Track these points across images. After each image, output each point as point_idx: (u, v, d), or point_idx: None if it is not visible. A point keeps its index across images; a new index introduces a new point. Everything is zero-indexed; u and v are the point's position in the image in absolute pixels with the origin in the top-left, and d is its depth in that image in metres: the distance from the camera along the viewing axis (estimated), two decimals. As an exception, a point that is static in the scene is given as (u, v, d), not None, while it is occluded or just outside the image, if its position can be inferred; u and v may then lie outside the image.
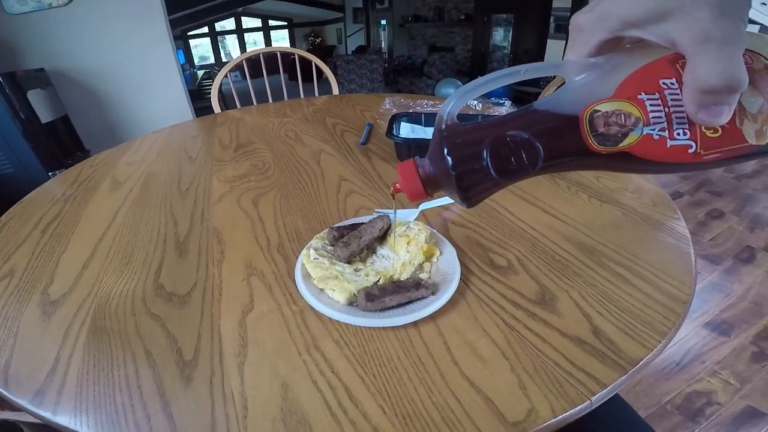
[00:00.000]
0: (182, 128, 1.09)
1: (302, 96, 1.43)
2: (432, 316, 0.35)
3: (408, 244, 0.42)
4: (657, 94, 0.22)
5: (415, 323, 0.35)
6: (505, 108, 1.05)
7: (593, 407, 0.29)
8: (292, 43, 9.33)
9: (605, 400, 0.29)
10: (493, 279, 0.41)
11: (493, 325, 0.35)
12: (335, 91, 1.52)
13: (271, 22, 8.87)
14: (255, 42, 9.21)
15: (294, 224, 0.53)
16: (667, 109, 0.22)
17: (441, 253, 0.44)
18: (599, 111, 0.23)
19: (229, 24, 8.55)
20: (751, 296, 1.62)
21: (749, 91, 0.22)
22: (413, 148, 0.68)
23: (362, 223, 0.45)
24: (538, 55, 4.38)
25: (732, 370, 1.27)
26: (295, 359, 0.32)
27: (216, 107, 1.40)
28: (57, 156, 1.90)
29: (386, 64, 6.36)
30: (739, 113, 0.22)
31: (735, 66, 0.19)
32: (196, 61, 7.85)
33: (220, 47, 8.57)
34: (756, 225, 2.25)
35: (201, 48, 8.34)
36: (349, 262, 0.41)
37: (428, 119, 0.82)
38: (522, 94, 4.21)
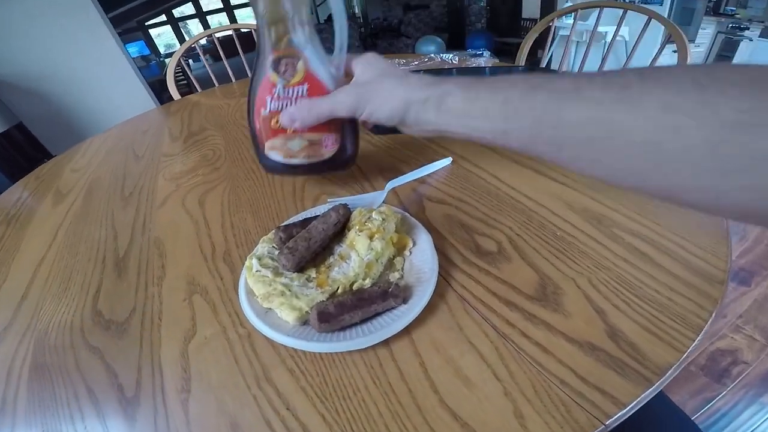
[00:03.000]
0: (133, 123, 0.98)
1: None
2: (406, 330, 0.28)
3: (371, 239, 0.33)
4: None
5: (385, 341, 0.28)
6: (484, 59, 0.94)
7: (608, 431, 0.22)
8: (261, 19, 8.88)
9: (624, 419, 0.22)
10: (480, 271, 0.33)
11: (482, 334, 0.28)
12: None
13: (233, 0, 8.38)
14: (220, 23, 8.73)
15: (243, 224, 0.45)
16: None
17: (414, 244, 0.35)
18: None
19: (188, 9, 8.08)
20: (767, 238, 1.55)
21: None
22: None
23: (315, 218, 0.36)
24: (515, 6, 4.15)
25: (756, 324, 1.19)
26: (243, 394, 0.27)
27: (175, 94, 1.28)
28: (20, 164, 1.78)
29: (362, 29, 6.05)
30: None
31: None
32: (162, 50, 7.48)
33: (183, 33, 8.14)
34: None
35: (165, 36, 7.91)
36: (300, 270, 0.33)
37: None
38: (506, 45, 4.00)
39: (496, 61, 0.95)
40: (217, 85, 1.22)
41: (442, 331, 0.28)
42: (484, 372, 0.25)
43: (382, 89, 0.33)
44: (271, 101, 0.38)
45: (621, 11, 1.08)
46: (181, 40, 7.94)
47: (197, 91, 1.18)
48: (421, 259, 0.33)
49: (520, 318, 0.28)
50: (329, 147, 0.41)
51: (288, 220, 0.40)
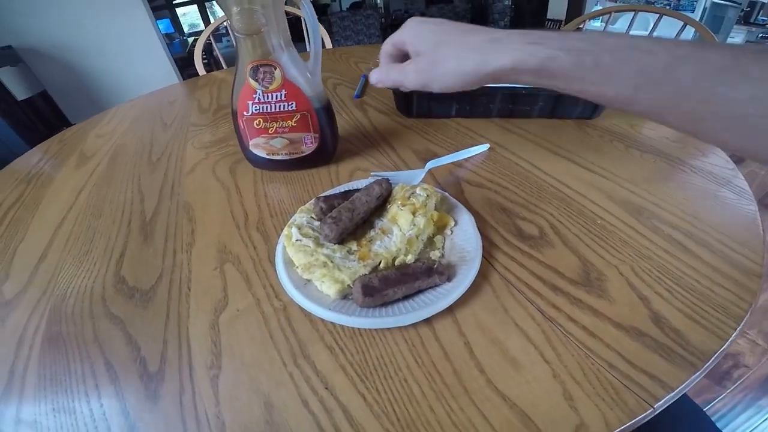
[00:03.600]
0: (160, 94, 0.99)
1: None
2: (449, 309, 0.28)
3: (414, 214, 0.33)
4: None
5: (428, 320, 0.27)
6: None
7: (656, 413, 0.22)
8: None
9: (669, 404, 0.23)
10: (523, 254, 0.33)
11: (528, 317, 0.28)
12: (328, 45, 1.39)
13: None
14: (244, 4, 8.71)
15: (277, 194, 0.44)
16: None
17: (456, 223, 0.35)
18: None
19: (216, -11, 8.10)
20: (775, 243, 1.55)
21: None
22: (415, 97, 0.58)
23: (356, 191, 0.36)
24: (541, 6, 4.09)
25: (759, 329, 1.20)
26: (279, 371, 0.25)
27: (200, 70, 1.29)
28: (40, 132, 1.80)
29: (383, 20, 6.00)
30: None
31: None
32: (186, 29, 7.51)
33: (209, 14, 8.12)
34: (779, 171, 2.14)
35: (189, 16, 7.92)
36: (340, 243, 0.33)
37: None
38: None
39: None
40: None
41: (486, 312, 0.28)
42: (532, 354, 0.25)
43: (445, 61, 0.30)
44: (252, 105, 0.42)
45: (650, 17, 1.06)
46: (206, 20, 7.93)
47: (222, 68, 1.18)
48: (464, 238, 0.33)
49: (565, 302, 0.28)
50: (308, 144, 0.45)
51: (326, 192, 0.40)
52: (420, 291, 0.29)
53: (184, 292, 0.32)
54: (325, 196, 0.36)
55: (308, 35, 0.42)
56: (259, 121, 0.43)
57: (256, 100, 0.41)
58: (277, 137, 0.44)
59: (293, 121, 0.43)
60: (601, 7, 2.89)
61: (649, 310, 0.27)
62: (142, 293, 0.33)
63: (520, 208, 0.38)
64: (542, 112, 0.56)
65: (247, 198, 0.44)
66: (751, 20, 3.50)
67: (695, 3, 2.73)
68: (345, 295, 0.29)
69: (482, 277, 0.30)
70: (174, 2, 7.30)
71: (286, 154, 0.46)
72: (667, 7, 2.84)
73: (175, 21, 7.22)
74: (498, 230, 0.36)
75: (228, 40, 6.14)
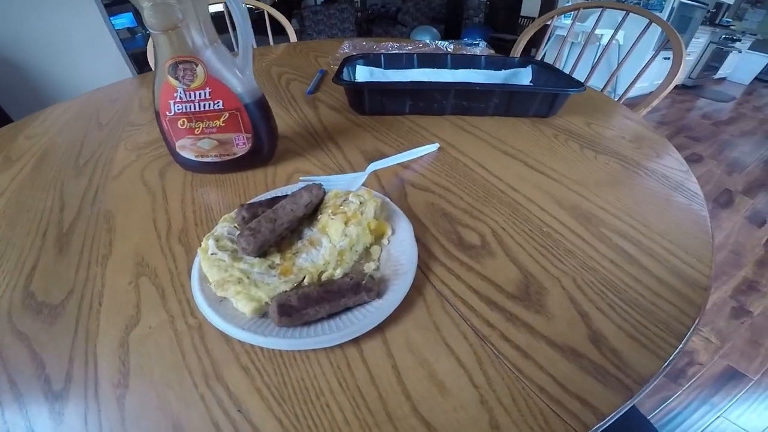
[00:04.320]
0: (104, 92, 0.91)
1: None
2: (379, 327, 0.25)
3: (346, 224, 0.30)
4: None
5: (355, 339, 0.25)
6: (479, 49, 0.92)
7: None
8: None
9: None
10: (461, 266, 0.30)
11: (460, 336, 0.25)
12: (292, 38, 1.34)
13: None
14: (215, -6, 8.46)
15: (205, 200, 0.41)
16: None
17: (393, 232, 0.32)
18: None
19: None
20: (731, 245, 1.60)
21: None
22: (367, 93, 0.55)
23: (284, 197, 0.33)
24: (515, 2, 4.13)
25: (713, 327, 1.25)
26: (189, 392, 0.23)
27: (153, 65, 1.21)
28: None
29: (359, 14, 5.92)
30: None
31: None
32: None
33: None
34: (734, 169, 2.24)
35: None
36: (263, 255, 0.29)
37: (389, 61, 0.68)
38: (501, 42, 3.97)
39: (492, 51, 0.92)
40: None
41: (418, 330, 0.26)
42: (461, 378, 0.23)
43: None
44: (174, 104, 0.38)
45: (619, 15, 1.06)
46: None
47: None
48: (400, 249, 0.30)
49: (501, 319, 0.26)
50: (240, 145, 0.41)
51: (255, 198, 0.37)
52: (347, 308, 0.26)
53: (95, 307, 0.30)
54: (250, 204, 0.33)
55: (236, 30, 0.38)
56: (184, 121, 0.39)
57: (178, 99, 0.37)
58: (204, 138, 0.40)
59: (221, 120, 0.39)
60: (570, 3, 2.93)
61: (588, 327, 0.25)
62: (51, 308, 0.30)
63: (463, 214, 0.36)
64: (497, 109, 0.54)
65: (173, 204, 0.40)
66: (717, 21, 3.64)
67: (663, 2, 2.79)
68: (263, 313, 0.26)
69: (416, 291, 0.28)
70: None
71: (216, 155, 0.42)
72: (637, 5, 2.92)
73: (139, 15, 6.93)
74: (438, 239, 0.33)
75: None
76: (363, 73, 0.65)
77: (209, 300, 0.27)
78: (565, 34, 1.13)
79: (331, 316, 0.26)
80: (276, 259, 0.29)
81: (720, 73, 3.92)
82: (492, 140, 0.48)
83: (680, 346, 0.24)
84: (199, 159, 0.42)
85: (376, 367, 0.24)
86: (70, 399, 0.24)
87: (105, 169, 0.50)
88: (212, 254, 0.29)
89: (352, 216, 0.30)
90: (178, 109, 0.38)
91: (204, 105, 0.37)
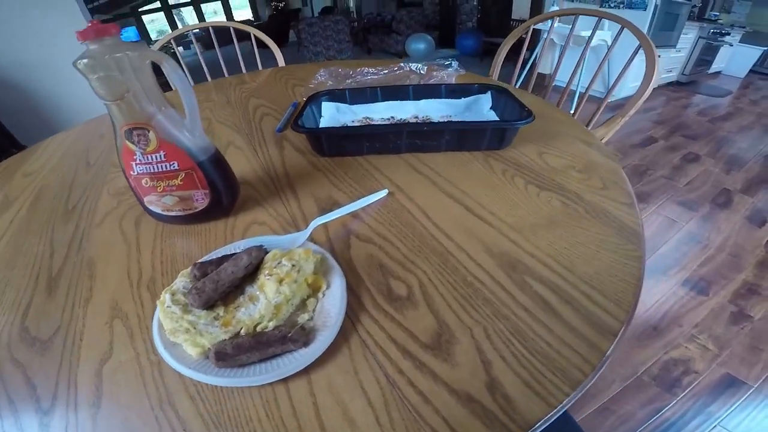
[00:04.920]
0: (94, 124, 0.96)
1: (261, 66, 1.29)
2: (306, 369, 0.29)
3: (280, 283, 0.34)
4: None
5: (285, 378, 0.29)
6: (452, 69, 0.94)
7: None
8: (254, 11, 8.70)
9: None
10: (386, 316, 0.33)
11: (374, 380, 0.29)
12: (280, 62, 1.38)
13: (228, -13, 8.27)
14: (215, 12, 8.51)
15: (172, 251, 0.45)
16: None
17: (329, 286, 0.36)
18: None
19: (182, -5, 7.92)
20: (729, 247, 1.58)
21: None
22: (324, 138, 0.58)
23: (232, 255, 0.36)
24: (506, 6, 4.15)
25: (710, 334, 1.22)
26: (147, 414, 0.29)
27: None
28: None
29: (355, 24, 5.98)
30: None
31: None
32: (154, 36, 7.35)
33: (176, 20, 7.96)
34: (732, 167, 2.21)
35: (158, 23, 7.73)
36: (209, 308, 0.34)
37: (355, 96, 0.71)
38: (493, 45, 3.99)
39: (462, 72, 0.95)
40: (208, 73, 1.22)
41: (339, 373, 0.29)
42: (369, 417, 0.26)
43: None
44: (135, 165, 0.41)
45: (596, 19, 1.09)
46: (173, 26, 7.79)
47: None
48: (331, 303, 0.34)
49: (411, 366, 0.29)
50: (200, 201, 0.44)
51: (209, 254, 0.40)
52: (276, 355, 0.30)
53: (76, 343, 0.35)
54: (201, 263, 0.37)
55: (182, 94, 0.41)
56: (147, 180, 0.42)
57: (138, 161, 0.41)
58: (167, 195, 0.44)
59: (179, 179, 0.42)
60: (558, 8, 2.93)
61: (488, 375, 0.28)
62: (42, 342, 0.36)
63: (397, 265, 0.38)
64: (450, 145, 0.56)
65: (145, 255, 0.45)
66: (705, 16, 3.61)
67: (647, 1, 2.78)
68: (207, 356, 0.31)
69: (343, 339, 0.32)
70: (139, 10, 7.12)
71: (179, 210, 0.45)
72: (621, 5, 2.90)
73: (142, 28, 7.06)
74: (371, 291, 0.36)
75: (194, 47, 6.02)
76: (329, 110, 0.68)
77: (165, 343, 0.32)
78: (554, 38, 1.15)
79: (263, 360, 0.30)
80: (220, 311, 0.34)
81: (714, 68, 3.87)
82: (440, 181, 0.50)
83: (574, 393, 0.27)
84: (166, 213, 0.46)
85: (299, 403, 0.28)
86: (56, 415, 0.30)
87: (89, 215, 0.55)
88: (167, 307, 0.33)
89: (285, 276, 0.34)
90: (140, 170, 0.41)
91: (161, 166, 0.41)
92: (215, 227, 0.47)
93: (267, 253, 0.37)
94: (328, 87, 0.90)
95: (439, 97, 0.70)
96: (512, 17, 4.12)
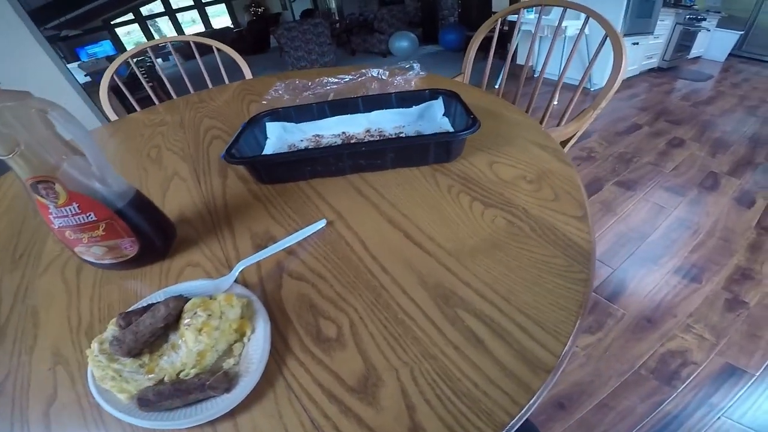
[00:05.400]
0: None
1: (227, 80, 1.26)
2: (232, 413, 0.30)
3: (200, 332, 0.33)
4: None
5: (212, 421, 0.29)
6: (413, 72, 0.92)
7: None
8: (233, 17, 8.64)
9: None
10: (313, 359, 0.32)
11: (299, 425, 0.28)
12: (247, 75, 1.36)
13: (203, -4, 8.20)
14: (193, 20, 8.46)
15: (109, 297, 0.43)
16: None
17: (254, 331, 0.35)
18: None
19: (157, 6, 7.84)
20: (719, 231, 1.56)
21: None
22: (262, 168, 0.55)
23: (156, 303, 0.35)
24: (486, 0, 4.14)
25: (706, 323, 1.20)
26: None
27: (109, 112, 1.23)
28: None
29: (337, 25, 5.95)
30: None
31: None
32: (129, 49, 7.32)
33: (152, 32, 7.90)
34: (717, 150, 2.20)
35: (134, 35, 7.67)
36: (135, 356, 0.34)
37: (301, 113, 0.68)
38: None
39: (423, 75, 0.93)
40: (172, 90, 1.22)
41: (264, 417, 0.29)
42: None
43: None
44: (53, 218, 0.39)
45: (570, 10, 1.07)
46: (149, 37, 7.74)
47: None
48: (255, 347, 0.33)
49: (336, 411, 0.28)
50: (129, 248, 0.43)
51: (138, 302, 0.39)
52: (199, 400, 0.31)
53: (25, 387, 0.36)
54: (126, 313, 0.36)
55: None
56: (69, 233, 0.40)
57: (54, 215, 0.38)
58: (93, 246, 0.42)
59: (100, 230, 0.40)
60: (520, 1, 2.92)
61: (411, 420, 0.27)
62: None
63: (328, 304, 0.37)
64: (396, 162, 0.54)
65: (84, 302, 0.44)
66: (680, 2, 3.60)
67: (621, -13, 2.77)
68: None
69: (268, 383, 0.31)
70: (112, 23, 7.05)
71: (111, 258, 0.43)
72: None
73: (117, 42, 6.96)
74: (299, 332, 0.35)
75: (172, 59, 5.92)
76: (275, 130, 0.66)
77: (98, 387, 0.33)
78: (530, 29, 1.14)
79: (187, 405, 0.31)
80: (146, 359, 0.34)
81: (694, 53, 3.90)
82: (382, 204, 0.48)
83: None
84: (99, 261, 0.44)
85: (226, 445, 0.27)
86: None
87: (35, 264, 0.53)
88: (95, 356, 0.34)
89: (203, 326, 0.33)
90: (60, 223, 0.39)
91: (78, 219, 0.39)
92: (151, 271, 0.45)
93: (187, 301, 0.35)
94: (285, 101, 0.88)
95: (391, 107, 0.67)
96: (493, 10, 4.09)
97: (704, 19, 3.61)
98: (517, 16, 1.24)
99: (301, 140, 0.66)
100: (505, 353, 0.30)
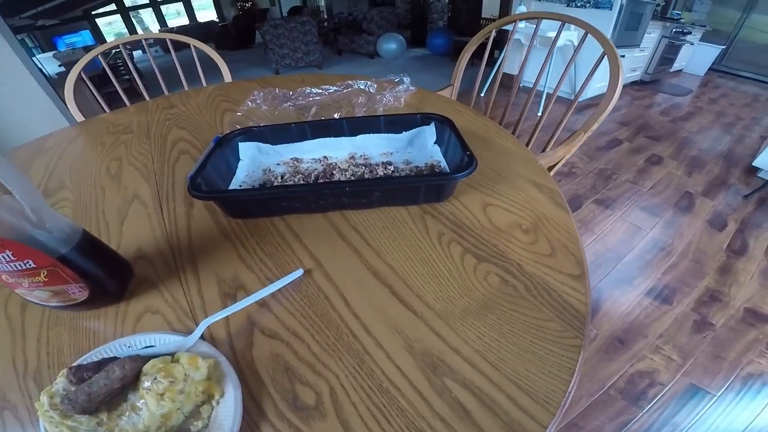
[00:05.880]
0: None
1: (204, 82, 1.20)
2: None
3: (162, 396, 0.30)
4: None
5: None
6: (403, 88, 0.89)
7: None
8: (219, 11, 8.41)
9: None
10: (290, 428, 0.30)
11: None
12: (227, 78, 1.30)
13: (187, -12, 7.96)
14: (178, 12, 8.17)
15: (58, 341, 0.39)
16: None
17: (222, 395, 0.31)
18: None
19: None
20: (692, 253, 1.61)
21: None
22: (232, 203, 0.50)
23: (112, 359, 0.32)
24: (476, 5, 4.15)
25: (674, 344, 1.24)
26: None
27: (76, 113, 1.15)
28: None
29: (325, 23, 5.86)
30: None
31: None
32: (110, 40, 7.02)
33: (135, 23, 7.60)
34: (693, 168, 2.27)
35: (115, 25, 7.34)
36: (95, 412, 0.30)
37: (278, 134, 0.62)
38: (463, 45, 3.98)
39: (413, 90, 0.90)
40: (145, 93, 1.14)
41: None
42: None
43: None
44: None
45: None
46: (133, 31, 7.45)
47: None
48: (225, 414, 0.30)
49: None
50: (77, 293, 0.38)
51: (90, 352, 0.35)
52: None
53: None
54: (77, 367, 0.32)
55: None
56: (6, 277, 0.35)
57: None
58: (36, 290, 0.37)
59: (42, 276, 0.35)
60: (525, 9, 2.92)
61: None
62: None
63: (306, 368, 0.33)
64: (382, 202, 0.50)
65: (30, 343, 0.39)
66: (667, 15, 3.70)
67: (613, 0, 2.81)
68: None
69: None
70: (93, 13, 6.75)
71: (58, 301, 0.39)
72: (588, 5, 2.92)
73: (97, 32, 6.67)
74: (273, 398, 0.32)
75: (156, 50, 5.73)
76: (250, 151, 0.60)
77: None
78: (521, 39, 1.13)
79: None
80: (104, 417, 0.31)
81: (676, 66, 4.01)
82: (366, 252, 0.45)
83: None
84: (45, 303, 0.39)
85: None
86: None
87: None
88: (46, 411, 0.30)
89: (166, 390, 0.30)
90: None
91: (13, 265, 0.33)
92: (105, 315, 0.40)
93: (145, 362, 0.32)
94: (262, 111, 0.83)
95: (378, 130, 0.63)
96: (482, 16, 4.11)
97: (690, 33, 3.70)
98: (511, 25, 1.23)
99: (278, 164, 0.61)
100: (492, 425, 0.28)
